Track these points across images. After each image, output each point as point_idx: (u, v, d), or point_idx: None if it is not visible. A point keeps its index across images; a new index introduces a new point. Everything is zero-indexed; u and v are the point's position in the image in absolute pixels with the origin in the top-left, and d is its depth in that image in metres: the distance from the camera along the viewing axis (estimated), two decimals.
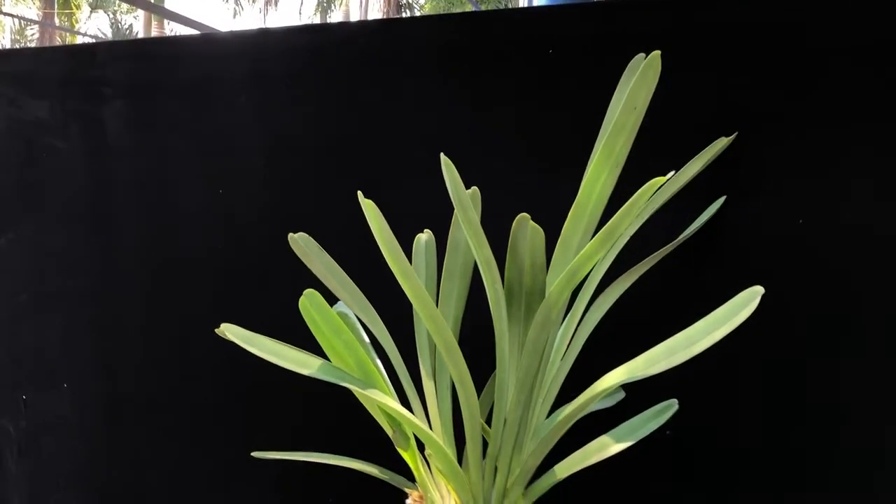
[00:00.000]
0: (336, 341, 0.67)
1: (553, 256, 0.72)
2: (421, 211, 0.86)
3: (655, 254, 0.84)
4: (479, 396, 0.81)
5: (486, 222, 0.69)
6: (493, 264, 0.67)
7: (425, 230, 0.79)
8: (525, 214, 0.62)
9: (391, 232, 0.61)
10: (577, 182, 0.77)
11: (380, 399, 0.67)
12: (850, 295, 0.81)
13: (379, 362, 0.79)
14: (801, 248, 0.83)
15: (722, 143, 0.84)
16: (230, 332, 0.63)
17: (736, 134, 0.85)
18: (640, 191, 0.57)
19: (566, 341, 0.80)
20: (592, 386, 0.67)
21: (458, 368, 0.67)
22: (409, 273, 0.62)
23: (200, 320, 1.08)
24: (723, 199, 0.87)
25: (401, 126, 0.99)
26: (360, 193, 0.61)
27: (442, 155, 0.61)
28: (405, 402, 0.77)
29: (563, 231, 0.72)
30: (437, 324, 0.64)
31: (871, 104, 0.81)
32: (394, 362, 0.78)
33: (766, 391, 0.86)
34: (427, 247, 0.79)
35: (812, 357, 0.83)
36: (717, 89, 0.87)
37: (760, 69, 0.85)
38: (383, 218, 0.61)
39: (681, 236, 0.87)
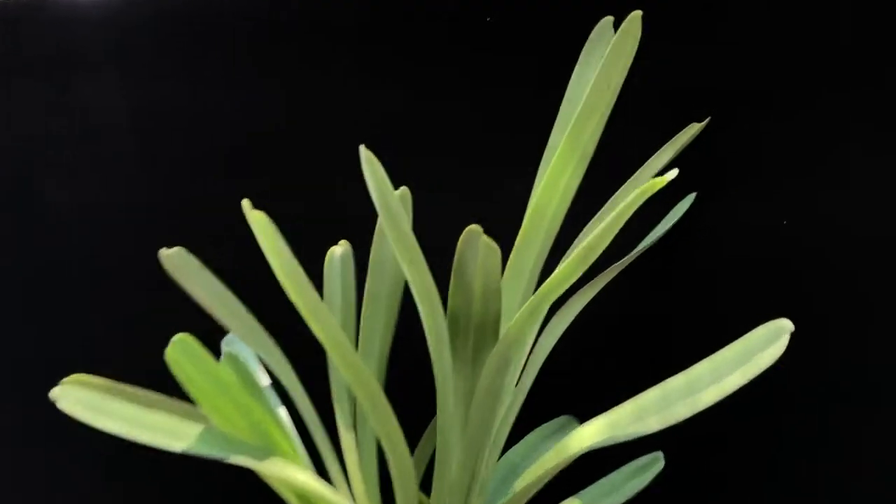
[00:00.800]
0: (221, 400, 0.49)
1: (504, 273, 0.57)
2: (338, 219, 0.69)
3: (618, 263, 0.70)
4: (413, 452, 0.65)
5: (421, 233, 0.53)
6: (433, 289, 0.51)
7: (341, 242, 0.63)
8: (476, 227, 0.46)
9: (291, 253, 0.44)
10: (531, 180, 0.62)
11: (280, 473, 0.50)
12: (849, 308, 0.69)
13: (283, 415, 0.62)
14: (787, 253, 0.71)
15: (693, 129, 0.70)
16: (63, 398, 0.44)
17: (709, 119, 0.71)
18: (632, 197, 0.42)
19: (516, 374, 0.65)
20: (560, 447, 0.52)
21: (385, 427, 0.51)
22: (318, 308, 0.45)
23: (55, 349, 0.87)
24: (692, 196, 0.74)
25: (313, 113, 0.81)
26: (245, 203, 0.44)
27: (362, 148, 0.45)
28: (320, 465, 0.60)
29: (517, 242, 0.57)
30: (356, 373, 0.48)
31: (870, 85, 0.69)
32: (304, 413, 0.61)
33: (763, 422, 0.73)
34: (343, 264, 0.62)
35: (812, 381, 0.71)
36: (687, 65, 0.73)
37: (739, 40, 0.72)
38: (280, 235, 0.44)
39: (645, 241, 0.73)
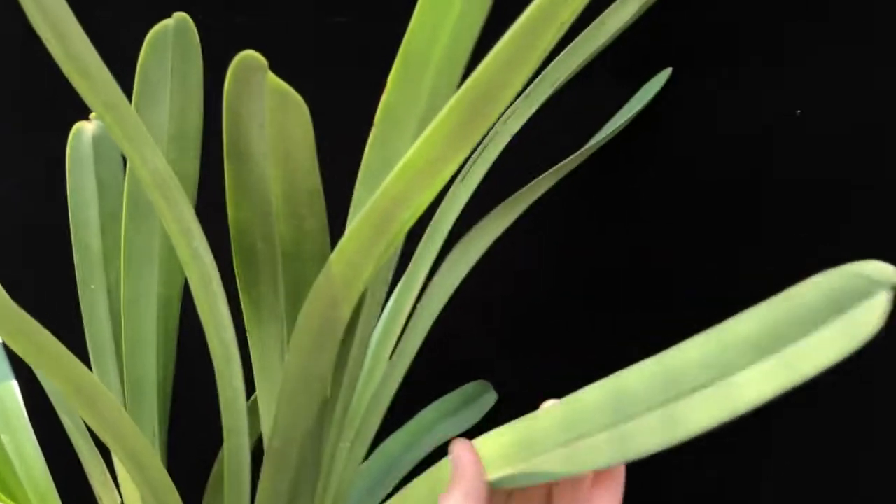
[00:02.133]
0: None
1: (359, 175, 0.34)
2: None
3: (558, 166, 0.47)
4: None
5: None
6: (173, 184, 0.27)
7: (94, 115, 0.38)
8: (250, 55, 0.23)
9: None
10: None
11: None
12: (876, 220, 0.47)
13: (11, 394, 0.39)
14: (800, 156, 0.48)
15: None
16: None
17: None
18: None
19: (392, 335, 0.43)
20: (435, 472, 0.30)
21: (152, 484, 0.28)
22: None
23: None
24: (668, 72, 0.51)
25: None
26: None
27: None
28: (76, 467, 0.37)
29: (377, 116, 0.33)
30: (95, 403, 0.25)
31: None
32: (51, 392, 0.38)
33: None
34: (98, 151, 0.38)
35: None
36: None
37: None
38: None
39: (602, 132, 0.50)
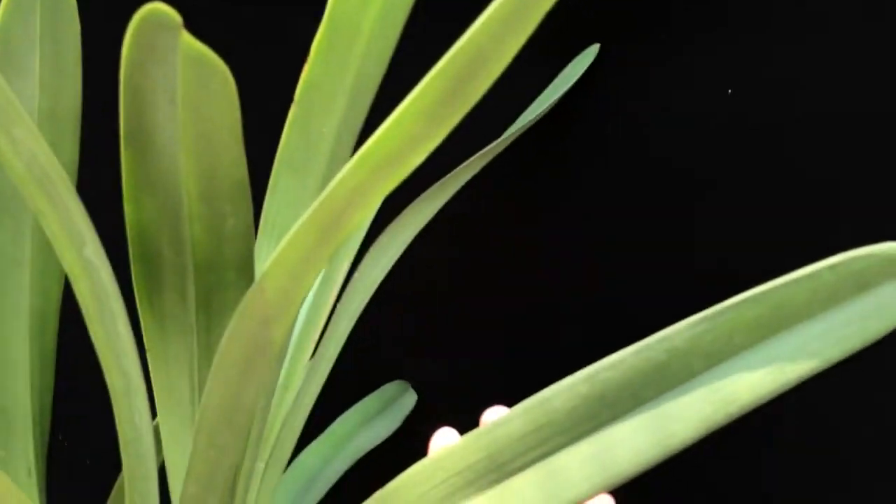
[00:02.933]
0: None
1: (276, 159, 0.29)
2: None
3: (477, 155, 0.43)
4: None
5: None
6: (59, 175, 0.21)
7: None
8: (161, 9, 0.17)
9: None
10: None
11: None
12: (817, 208, 0.47)
13: None
14: (731, 137, 0.47)
15: None
16: None
17: None
18: None
19: (311, 338, 0.38)
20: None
21: None
22: None
23: None
24: (595, 48, 0.48)
25: None
26: None
27: None
28: None
29: (298, 91, 0.28)
30: None
31: None
32: None
33: None
34: None
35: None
36: None
37: None
38: None
39: (526, 114, 0.47)
